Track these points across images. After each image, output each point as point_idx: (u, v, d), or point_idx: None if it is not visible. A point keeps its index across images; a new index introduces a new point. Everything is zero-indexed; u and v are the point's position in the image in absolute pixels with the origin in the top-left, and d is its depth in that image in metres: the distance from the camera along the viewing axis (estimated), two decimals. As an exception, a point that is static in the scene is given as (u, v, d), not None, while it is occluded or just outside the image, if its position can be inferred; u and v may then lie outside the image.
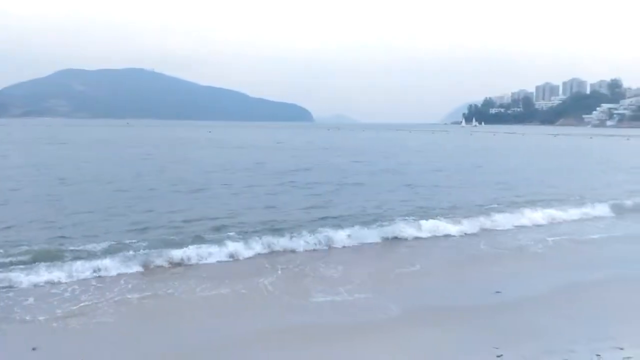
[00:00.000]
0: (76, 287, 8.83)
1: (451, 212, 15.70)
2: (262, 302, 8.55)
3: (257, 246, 11.29)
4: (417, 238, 12.87)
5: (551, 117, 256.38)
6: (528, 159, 43.08)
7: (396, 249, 12.05)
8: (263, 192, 20.03)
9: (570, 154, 52.65)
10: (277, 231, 12.61)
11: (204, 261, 10.44)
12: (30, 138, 69.26)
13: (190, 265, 10.24)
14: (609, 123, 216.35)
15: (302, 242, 11.80)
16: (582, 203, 17.94)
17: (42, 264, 9.65)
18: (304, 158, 39.26)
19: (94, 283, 9.06)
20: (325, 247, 11.81)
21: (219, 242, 11.30)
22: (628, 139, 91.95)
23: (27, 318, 7.57)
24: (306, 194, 19.56)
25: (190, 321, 7.69)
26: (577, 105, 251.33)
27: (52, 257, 10.11)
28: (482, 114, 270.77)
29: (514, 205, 17.26)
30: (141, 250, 10.65)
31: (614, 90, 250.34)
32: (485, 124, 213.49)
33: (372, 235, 12.70)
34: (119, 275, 9.44)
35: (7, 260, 9.87)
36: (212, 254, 10.67)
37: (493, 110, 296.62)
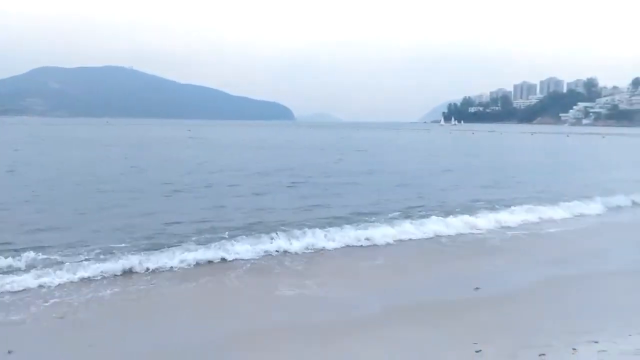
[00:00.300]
0: (54, 289, 8.67)
1: (433, 211, 15.85)
2: (237, 301, 8.55)
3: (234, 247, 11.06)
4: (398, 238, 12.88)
5: (529, 115, 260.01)
6: (509, 158, 43.67)
7: (376, 247, 12.06)
8: (247, 192, 19.75)
9: (550, 153, 53.47)
10: (260, 232, 12.43)
11: (179, 265, 10.14)
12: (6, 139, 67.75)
13: (168, 269, 10.01)
14: (585, 121, 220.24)
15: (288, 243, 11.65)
16: (559, 200, 18.27)
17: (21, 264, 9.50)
18: (287, 158, 39.19)
19: (71, 285, 8.90)
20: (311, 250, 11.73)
21: (204, 244, 11.18)
22: (604, 137, 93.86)
23: (2, 320, 7.42)
24: (294, 196, 19.35)
25: (172, 321, 7.64)
26: (554, 104, 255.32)
27: (29, 259, 9.90)
28: (462, 112, 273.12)
29: (494, 203, 17.48)
30: (116, 253, 10.44)
31: (590, 90, 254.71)
32: (464, 122, 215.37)
33: (352, 235, 12.60)
34: (96, 277, 9.26)
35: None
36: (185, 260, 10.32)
37: (472, 109, 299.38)
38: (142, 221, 13.80)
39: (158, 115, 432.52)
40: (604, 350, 5.97)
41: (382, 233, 12.69)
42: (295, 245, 11.48)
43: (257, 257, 10.74)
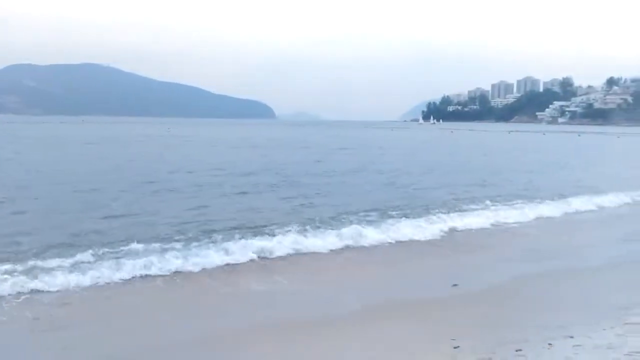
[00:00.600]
0: (30, 293, 8.48)
1: (413, 209, 15.96)
2: (217, 301, 8.52)
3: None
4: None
5: (506, 114, 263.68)
6: (487, 156, 44.19)
7: (356, 247, 12.05)
8: (230, 192, 19.38)
9: (527, 151, 54.25)
10: (244, 235, 12.21)
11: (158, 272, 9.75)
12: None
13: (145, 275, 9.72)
14: (560, 120, 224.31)
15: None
16: (534, 198, 18.62)
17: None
18: (270, 157, 39.02)
19: (47, 287, 8.72)
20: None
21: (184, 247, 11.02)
22: (579, 135, 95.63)
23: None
24: (277, 196, 19.17)
25: (150, 323, 7.56)
26: (531, 102, 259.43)
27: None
28: (441, 111, 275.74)
29: (473, 201, 17.68)
30: (92, 255, 10.21)
31: (566, 89, 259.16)
32: (443, 121, 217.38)
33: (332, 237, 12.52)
34: (73, 280, 9.01)
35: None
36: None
37: (451, 108, 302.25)
38: (121, 222, 13.53)
39: (137, 113, 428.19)
40: (578, 345, 6.07)
41: (360, 233, 12.62)
42: (276, 245, 11.36)
43: (239, 259, 10.53)
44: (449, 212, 15.44)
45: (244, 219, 14.06)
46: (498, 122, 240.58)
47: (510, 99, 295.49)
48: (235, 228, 12.83)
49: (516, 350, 6.08)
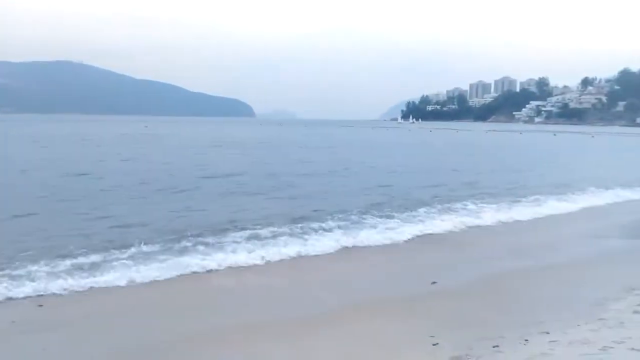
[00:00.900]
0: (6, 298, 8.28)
1: (394, 208, 16.06)
2: (195, 301, 8.46)
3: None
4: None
5: (484, 113, 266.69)
6: (467, 156, 44.69)
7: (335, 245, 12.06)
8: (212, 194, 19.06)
9: (507, 150, 55.03)
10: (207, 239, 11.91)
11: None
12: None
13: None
14: (537, 120, 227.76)
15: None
16: (511, 195, 18.91)
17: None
18: (258, 156, 38.82)
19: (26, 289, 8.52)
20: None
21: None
22: (555, 135, 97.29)
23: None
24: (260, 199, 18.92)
25: (130, 323, 7.47)
26: (508, 102, 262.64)
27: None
28: (420, 110, 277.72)
29: (448, 199, 17.85)
30: (70, 257, 10.03)
31: (542, 89, 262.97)
32: (422, 120, 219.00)
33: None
34: (52, 283, 8.82)
35: None
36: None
37: (430, 108, 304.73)
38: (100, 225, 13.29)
39: (113, 111, 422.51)
40: (554, 341, 6.16)
41: (342, 232, 12.70)
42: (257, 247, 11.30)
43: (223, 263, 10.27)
44: (429, 210, 15.64)
45: (226, 220, 13.88)
46: (476, 121, 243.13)
47: (488, 98, 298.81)
48: (215, 229, 12.75)
49: (493, 347, 6.15)
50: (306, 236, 12.24)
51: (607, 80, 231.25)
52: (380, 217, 14.58)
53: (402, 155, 42.86)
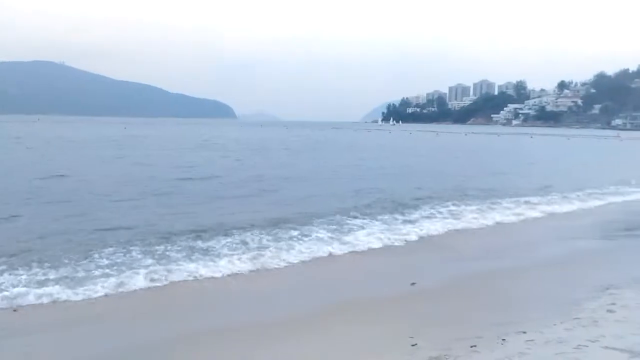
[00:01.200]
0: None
1: (373, 209, 16.14)
2: (174, 304, 8.39)
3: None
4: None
5: (463, 116, 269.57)
6: (446, 157, 45.05)
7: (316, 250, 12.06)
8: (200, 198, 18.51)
9: (485, 152, 55.67)
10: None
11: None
12: None
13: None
14: (514, 122, 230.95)
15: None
16: (491, 197, 19.16)
17: None
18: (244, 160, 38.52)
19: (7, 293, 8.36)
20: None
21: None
22: (532, 137, 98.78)
23: None
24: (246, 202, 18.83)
25: (109, 328, 7.38)
26: (486, 105, 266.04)
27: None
28: (400, 113, 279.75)
29: (429, 201, 18.01)
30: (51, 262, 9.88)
31: (520, 92, 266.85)
32: (402, 122, 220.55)
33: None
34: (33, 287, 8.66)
35: None
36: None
37: (410, 110, 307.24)
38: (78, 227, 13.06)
39: (92, 112, 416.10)
40: (531, 340, 6.26)
41: (323, 235, 12.72)
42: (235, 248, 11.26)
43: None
44: (409, 212, 15.84)
45: (208, 223, 13.68)
46: (455, 123, 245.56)
47: (467, 101, 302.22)
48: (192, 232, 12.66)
49: (471, 347, 6.22)
50: (287, 240, 12.18)
51: (583, 84, 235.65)
52: (362, 219, 14.62)
53: (383, 157, 43.02)
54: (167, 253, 10.75)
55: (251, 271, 10.07)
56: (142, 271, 9.52)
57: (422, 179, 25.49)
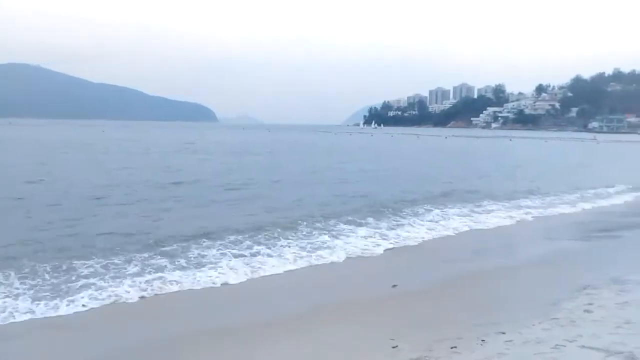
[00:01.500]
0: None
1: (357, 212, 16.18)
2: (163, 307, 8.30)
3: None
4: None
5: (443, 119, 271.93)
6: (428, 160, 45.34)
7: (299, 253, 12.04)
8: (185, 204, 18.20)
9: (466, 155, 56.19)
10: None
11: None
12: None
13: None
14: (494, 125, 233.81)
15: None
16: (473, 199, 19.36)
17: None
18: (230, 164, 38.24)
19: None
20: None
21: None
22: (511, 140, 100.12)
23: None
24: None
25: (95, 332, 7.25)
26: (466, 108, 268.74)
27: None
28: (381, 116, 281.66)
29: (411, 204, 18.12)
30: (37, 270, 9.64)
31: (499, 95, 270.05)
32: (384, 125, 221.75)
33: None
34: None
35: None
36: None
37: (391, 113, 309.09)
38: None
39: (69, 115, 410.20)
40: (510, 341, 6.32)
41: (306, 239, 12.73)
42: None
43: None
44: (393, 214, 16.00)
45: (191, 229, 13.39)
46: (436, 126, 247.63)
47: (447, 105, 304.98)
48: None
49: (451, 348, 6.26)
50: (270, 245, 12.06)
51: (560, 87, 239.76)
52: (347, 225, 14.49)
53: (365, 160, 43.11)
54: (153, 261, 10.47)
55: (238, 276, 9.96)
56: (128, 280, 9.26)
57: (407, 182, 25.56)
